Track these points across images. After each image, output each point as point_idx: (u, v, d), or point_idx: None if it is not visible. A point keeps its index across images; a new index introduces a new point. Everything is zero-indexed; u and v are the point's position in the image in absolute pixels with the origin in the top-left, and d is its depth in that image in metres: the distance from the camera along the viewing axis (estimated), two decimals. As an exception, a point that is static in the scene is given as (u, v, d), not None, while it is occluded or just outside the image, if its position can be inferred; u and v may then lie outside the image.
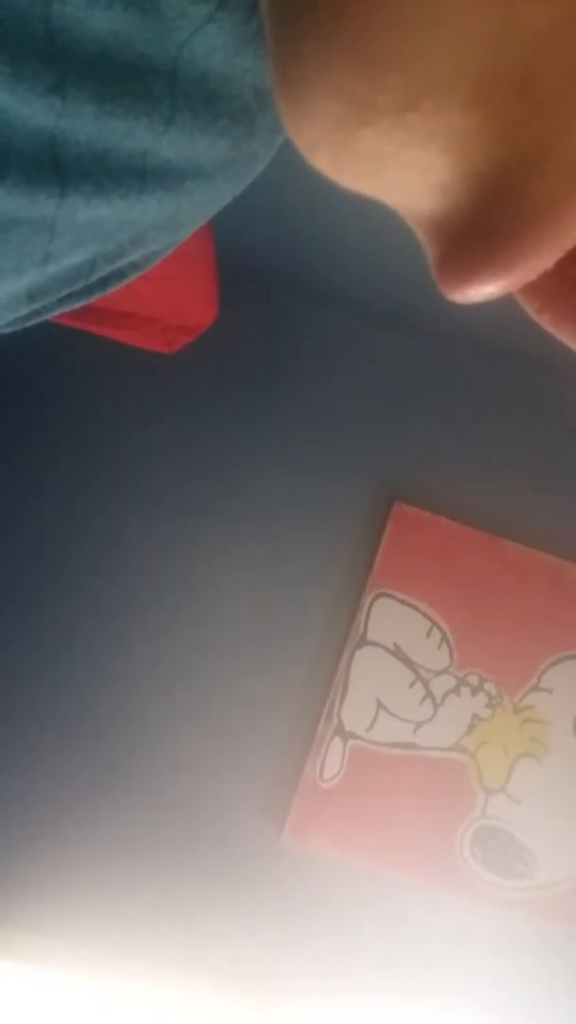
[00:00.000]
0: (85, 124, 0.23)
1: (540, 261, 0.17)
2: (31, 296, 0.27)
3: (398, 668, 1.70)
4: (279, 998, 1.64)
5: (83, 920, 1.59)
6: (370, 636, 1.70)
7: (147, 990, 1.61)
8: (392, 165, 0.16)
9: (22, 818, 1.59)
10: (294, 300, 1.76)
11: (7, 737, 1.61)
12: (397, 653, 1.70)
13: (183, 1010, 1.63)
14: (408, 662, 1.70)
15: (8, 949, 1.56)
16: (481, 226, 0.17)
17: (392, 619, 1.70)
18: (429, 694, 1.71)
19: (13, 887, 1.58)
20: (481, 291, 0.17)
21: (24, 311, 0.28)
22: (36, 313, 0.29)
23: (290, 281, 1.72)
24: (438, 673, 1.71)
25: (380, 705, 1.69)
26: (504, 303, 0.21)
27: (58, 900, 1.59)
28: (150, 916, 1.61)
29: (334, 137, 0.16)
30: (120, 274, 0.29)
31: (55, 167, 0.23)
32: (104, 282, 0.29)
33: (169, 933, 1.62)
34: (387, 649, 1.70)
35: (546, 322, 0.20)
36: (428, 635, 1.71)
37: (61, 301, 0.29)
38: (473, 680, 1.72)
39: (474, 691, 1.72)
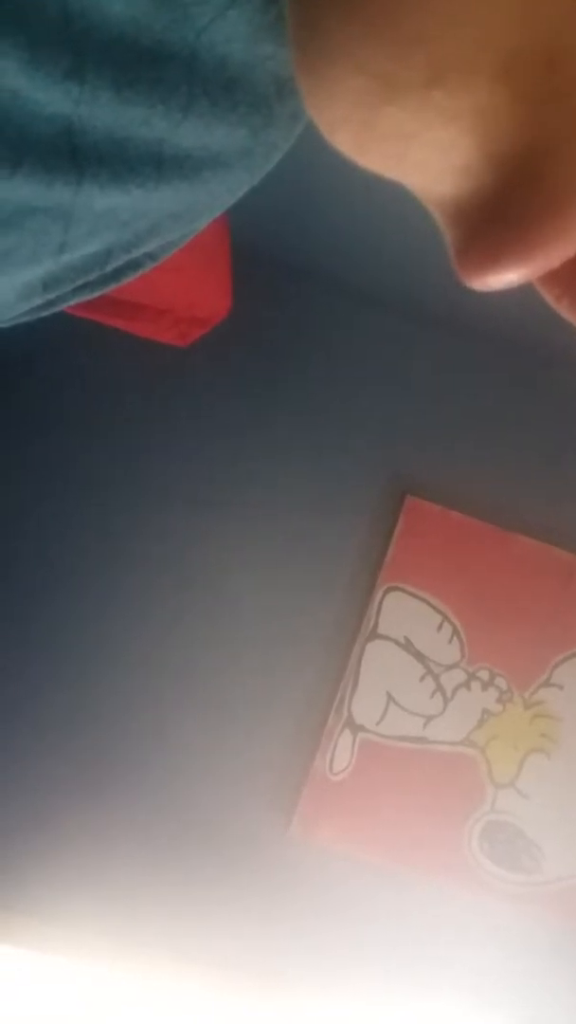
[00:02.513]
0: (103, 111, 0.22)
1: (564, 248, 0.16)
2: (46, 286, 0.27)
3: (409, 662, 1.70)
4: (284, 990, 1.65)
5: (87, 909, 1.60)
6: (381, 630, 1.69)
7: (150, 980, 1.62)
8: (415, 145, 0.16)
9: (27, 805, 1.60)
10: (308, 291, 1.75)
11: (14, 726, 1.62)
12: (408, 647, 1.70)
13: (186, 1001, 1.64)
14: (419, 656, 1.70)
15: (10, 935, 1.57)
16: (503, 210, 0.16)
17: (403, 613, 1.70)
18: (439, 688, 1.70)
19: (17, 873, 1.59)
20: (502, 278, 0.17)
21: (39, 301, 0.28)
22: (51, 303, 0.29)
23: (304, 272, 1.72)
24: (449, 667, 1.71)
25: (390, 699, 1.69)
26: (522, 293, 0.21)
27: (63, 888, 1.59)
28: (154, 905, 1.62)
29: (357, 115, 0.16)
30: (135, 264, 0.29)
31: (72, 154, 0.23)
32: (119, 272, 0.29)
33: (173, 923, 1.62)
34: (398, 643, 1.70)
35: (564, 309, 0.19)
36: (439, 629, 1.71)
37: (76, 291, 0.29)
38: (484, 675, 1.72)
39: (484, 686, 1.72)
